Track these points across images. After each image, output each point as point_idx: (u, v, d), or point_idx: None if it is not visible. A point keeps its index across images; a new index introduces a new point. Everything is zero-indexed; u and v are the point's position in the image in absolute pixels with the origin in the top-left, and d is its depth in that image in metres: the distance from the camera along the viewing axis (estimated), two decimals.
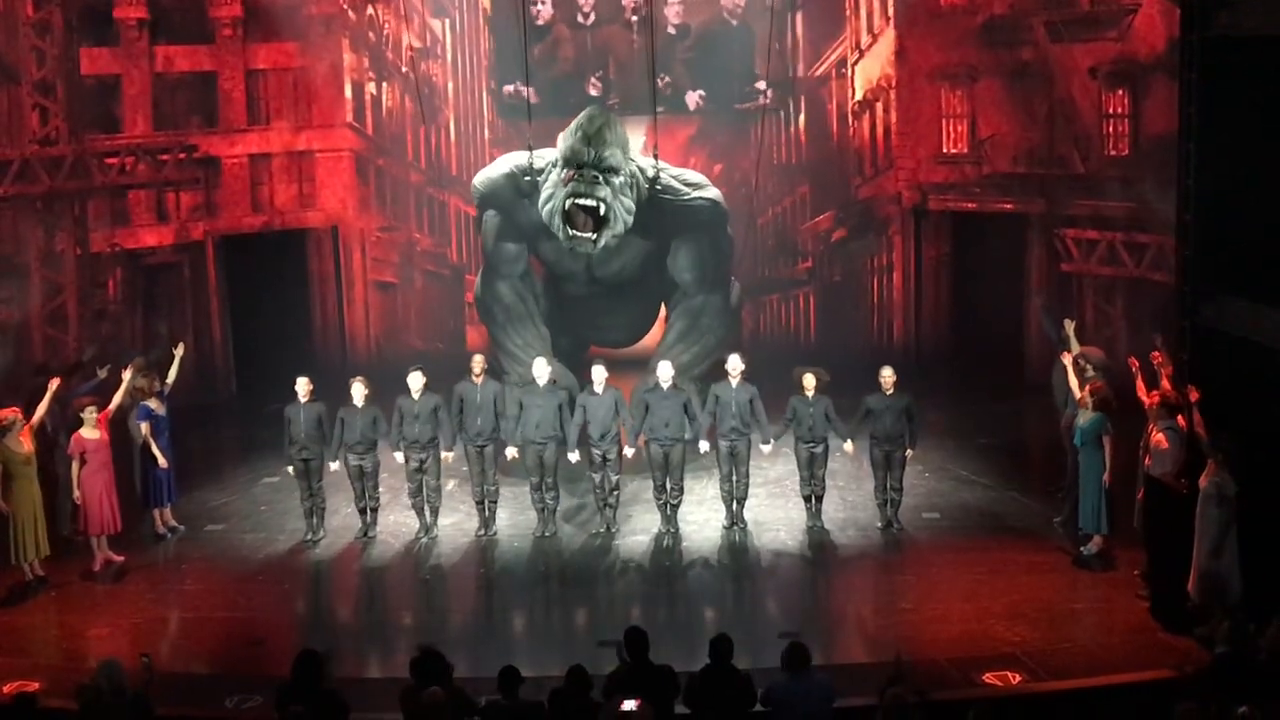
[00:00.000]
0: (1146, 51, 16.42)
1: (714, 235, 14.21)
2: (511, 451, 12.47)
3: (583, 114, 13.14)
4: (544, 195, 13.19)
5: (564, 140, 13.09)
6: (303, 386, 12.36)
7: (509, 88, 19.45)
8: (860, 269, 19.80)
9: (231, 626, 10.61)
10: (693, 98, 19.38)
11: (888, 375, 12.20)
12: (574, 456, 12.42)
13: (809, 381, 12.23)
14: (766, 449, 12.45)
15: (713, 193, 14.18)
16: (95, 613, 10.90)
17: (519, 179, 13.83)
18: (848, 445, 12.37)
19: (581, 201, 12.74)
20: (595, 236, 12.91)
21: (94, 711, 7.49)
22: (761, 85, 18.84)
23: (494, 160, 15.13)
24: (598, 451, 12.33)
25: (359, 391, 12.26)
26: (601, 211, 12.78)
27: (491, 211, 14.22)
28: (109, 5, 18.00)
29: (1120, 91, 17.13)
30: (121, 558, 11.91)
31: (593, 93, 19.14)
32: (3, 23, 16.62)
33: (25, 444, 11.32)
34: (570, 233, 12.91)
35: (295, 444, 12.30)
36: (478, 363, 12.56)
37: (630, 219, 13.02)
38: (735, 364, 12.37)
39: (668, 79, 19.12)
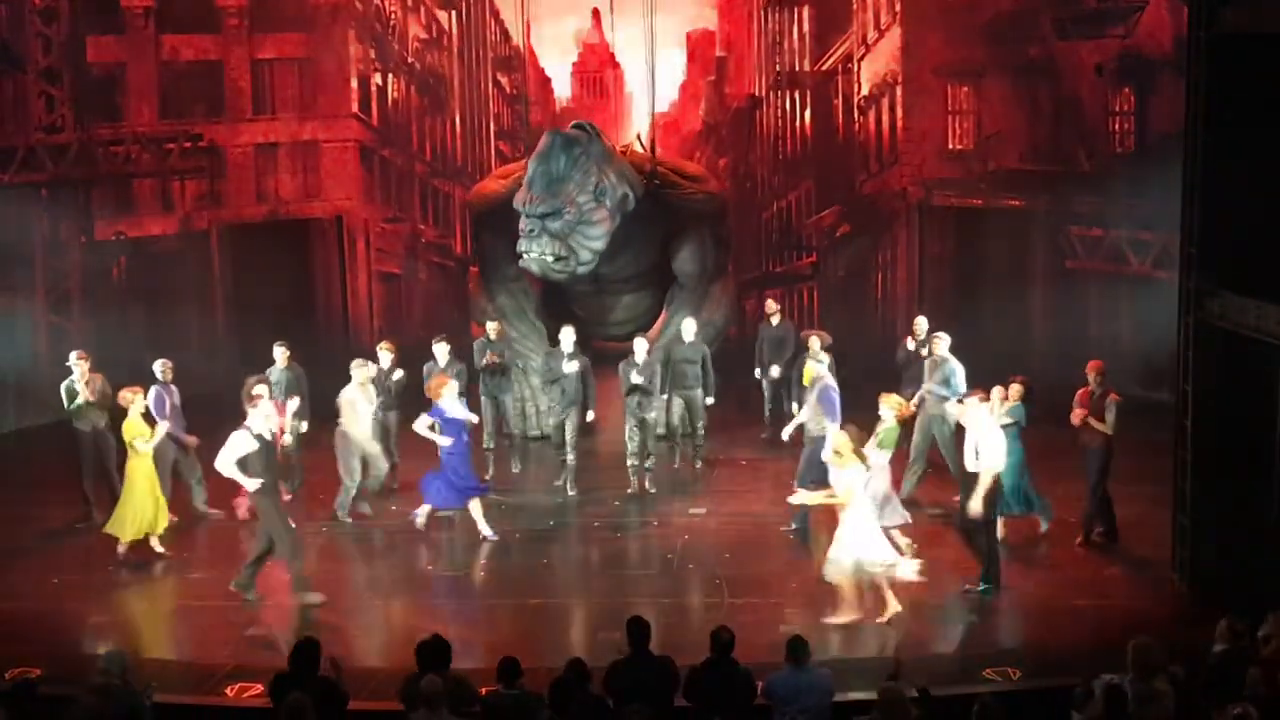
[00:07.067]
0: (1153, 49, 16.38)
1: (713, 227, 14.24)
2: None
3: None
4: None
5: None
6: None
7: None
8: (865, 264, 19.76)
9: (232, 615, 10.61)
10: None
11: (921, 323, 13.54)
12: (591, 415, 13.22)
13: (815, 344, 12.98)
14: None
15: (711, 185, 14.23)
16: (97, 601, 10.91)
17: (517, 190, 13.80)
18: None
19: (525, 257, 13.06)
20: (560, 270, 13.19)
21: (96, 701, 7.51)
22: None
23: (496, 154, 15.16)
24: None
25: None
26: (536, 268, 13.10)
27: (486, 231, 14.23)
28: None
29: (1126, 89, 17.10)
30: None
31: None
32: (9, 10, 16.61)
33: (144, 425, 11.68)
34: (540, 268, 13.25)
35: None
36: (491, 330, 12.83)
37: (599, 243, 13.16)
38: (772, 305, 14.58)
39: None
